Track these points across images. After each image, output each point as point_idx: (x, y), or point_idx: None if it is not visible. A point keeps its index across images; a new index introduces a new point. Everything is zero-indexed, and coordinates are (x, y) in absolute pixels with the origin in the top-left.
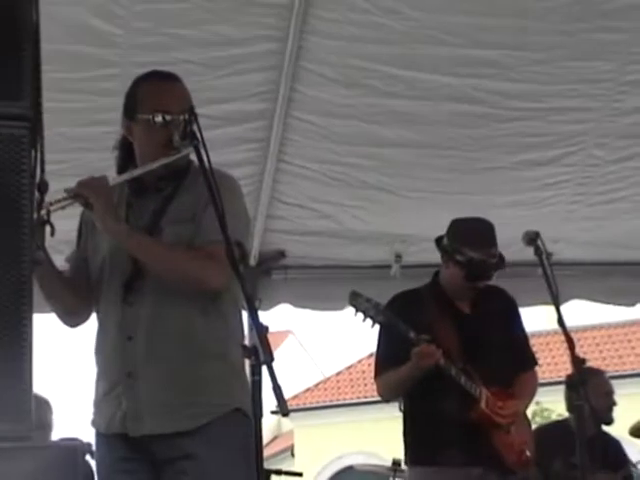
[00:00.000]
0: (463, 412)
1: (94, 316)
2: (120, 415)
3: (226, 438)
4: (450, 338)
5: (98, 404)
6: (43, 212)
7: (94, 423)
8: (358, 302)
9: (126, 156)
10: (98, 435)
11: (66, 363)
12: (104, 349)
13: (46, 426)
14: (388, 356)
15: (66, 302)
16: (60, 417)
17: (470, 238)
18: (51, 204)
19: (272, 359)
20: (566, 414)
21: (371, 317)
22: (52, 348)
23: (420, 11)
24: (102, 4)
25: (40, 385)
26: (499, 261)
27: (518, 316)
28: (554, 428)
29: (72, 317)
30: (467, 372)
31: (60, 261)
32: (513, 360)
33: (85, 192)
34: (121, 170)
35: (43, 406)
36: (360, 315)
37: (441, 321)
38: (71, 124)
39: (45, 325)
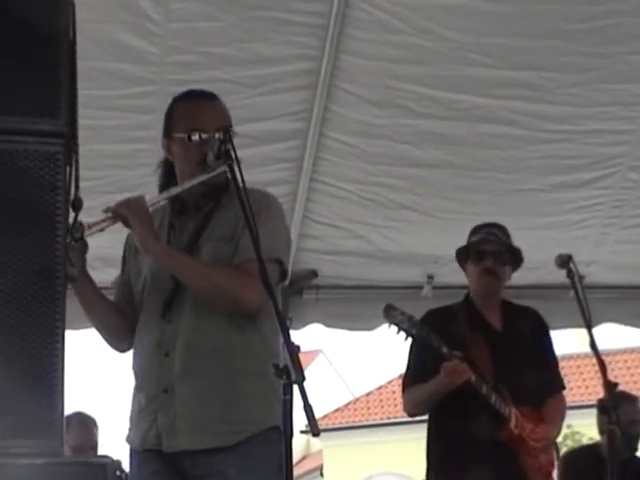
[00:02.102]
0: (492, 431)
1: None
2: (155, 431)
3: (261, 457)
4: (481, 355)
5: (134, 420)
6: (77, 233)
7: (128, 439)
8: (392, 315)
9: (168, 175)
10: (131, 451)
11: (102, 378)
12: (141, 365)
13: (95, 446)
14: (417, 370)
15: (110, 325)
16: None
17: (473, 230)
18: (89, 226)
19: (303, 378)
20: (597, 438)
21: (405, 330)
22: (89, 364)
23: (455, 32)
24: (138, 22)
25: (76, 398)
26: (505, 243)
27: (549, 339)
28: (585, 452)
29: (119, 341)
30: (498, 391)
31: (95, 277)
32: (542, 382)
33: (123, 211)
34: (163, 190)
35: (90, 425)
36: (394, 328)
37: (473, 337)
38: (106, 141)
39: (82, 341)
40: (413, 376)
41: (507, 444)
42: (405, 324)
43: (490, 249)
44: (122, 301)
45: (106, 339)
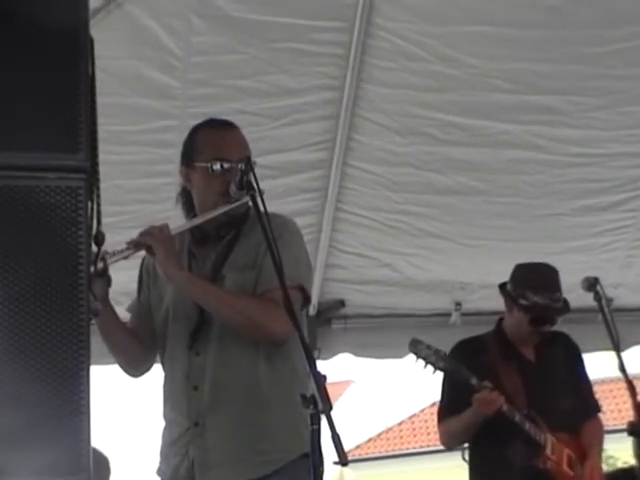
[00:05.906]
0: (528, 459)
1: (155, 367)
2: (187, 464)
3: None
4: (514, 384)
5: (164, 452)
6: (100, 265)
7: (159, 471)
8: (418, 349)
9: (191, 205)
10: None
11: (125, 413)
12: (171, 399)
13: None
14: (450, 403)
15: (129, 352)
16: (121, 468)
17: (534, 282)
18: (114, 254)
19: (331, 408)
20: (632, 462)
21: (432, 364)
22: (111, 399)
23: (477, 58)
24: (159, 56)
25: (100, 436)
26: (564, 306)
27: (582, 362)
28: (620, 476)
29: (135, 367)
30: (532, 418)
31: (120, 312)
32: (577, 407)
33: (147, 241)
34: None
35: (103, 465)
36: (421, 362)
37: (505, 367)
38: (129, 176)
39: (105, 376)
40: (447, 409)
41: (545, 471)
42: (432, 358)
43: (552, 316)
44: (139, 326)
45: (122, 365)
